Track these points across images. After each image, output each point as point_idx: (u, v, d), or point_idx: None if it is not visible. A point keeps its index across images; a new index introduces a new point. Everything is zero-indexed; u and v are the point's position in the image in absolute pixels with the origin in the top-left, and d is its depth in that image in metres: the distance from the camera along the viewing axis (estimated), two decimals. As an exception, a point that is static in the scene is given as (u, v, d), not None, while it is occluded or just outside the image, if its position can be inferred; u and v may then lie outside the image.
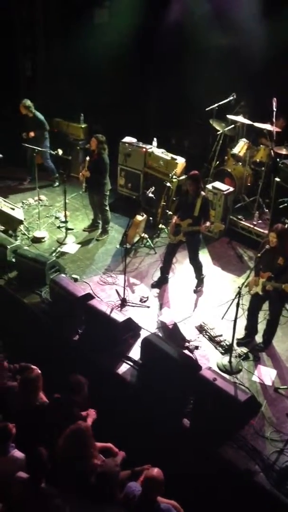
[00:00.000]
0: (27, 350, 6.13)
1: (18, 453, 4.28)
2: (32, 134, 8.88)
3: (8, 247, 7.31)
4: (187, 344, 6.22)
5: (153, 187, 8.05)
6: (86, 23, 9.71)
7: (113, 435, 4.87)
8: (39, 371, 4.96)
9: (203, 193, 6.76)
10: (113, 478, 3.93)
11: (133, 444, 4.88)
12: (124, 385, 5.81)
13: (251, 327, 6.23)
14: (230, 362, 5.92)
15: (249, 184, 8.68)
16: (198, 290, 7.18)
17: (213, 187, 8.32)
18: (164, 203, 8.19)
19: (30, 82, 10.58)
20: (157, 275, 7.35)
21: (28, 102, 8.87)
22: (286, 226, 6.94)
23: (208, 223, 6.63)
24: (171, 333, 6.44)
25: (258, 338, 6.30)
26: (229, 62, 8.53)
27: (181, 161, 8.59)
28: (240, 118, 8.50)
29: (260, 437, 5.17)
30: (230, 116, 8.62)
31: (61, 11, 10.18)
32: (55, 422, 4.51)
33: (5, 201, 8.34)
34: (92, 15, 10.14)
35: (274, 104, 7.76)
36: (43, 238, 8.14)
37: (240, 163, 8.60)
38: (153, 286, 7.24)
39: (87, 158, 7.87)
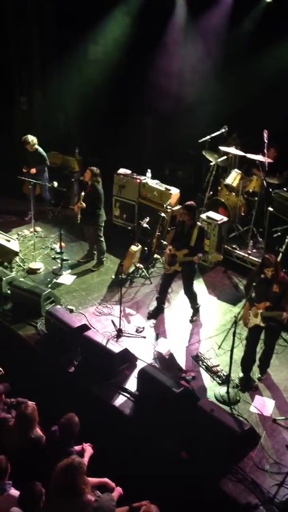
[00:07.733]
0: (22, 382, 6.05)
1: (14, 491, 4.17)
2: (33, 170, 8.80)
3: (4, 278, 7.30)
4: (184, 374, 6.17)
5: (148, 218, 8.12)
6: (81, 59, 9.96)
7: (109, 469, 4.78)
8: (35, 405, 4.89)
9: (199, 223, 6.81)
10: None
11: (131, 478, 4.78)
12: (120, 417, 5.73)
13: (251, 360, 6.12)
14: (227, 392, 5.86)
15: (242, 214, 8.77)
16: (194, 320, 7.17)
17: (207, 217, 8.41)
18: (159, 233, 8.24)
19: (26, 116, 10.74)
20: (153, 305, 7.34)
21: (29, 138, 8.89)
22: (280, 255, 7.00)
23: (200, 254, 6.60)
24: (168, 363, 6.40)
25: (255, 368, 6.25)
26: (221, 94, 8.73)
27: (175, 191, 8.68)
28: (232, 150, 8.64)
29: (259, 469, 5.09)
30: (222, 148, 8.76)
31: (56, 47, 10.44)
32: (51, 455, 4.43)
33: (0, 233, 8.38)
34: (86, 51, 10.40)
35: (265, 135, 7.92)
36: (39, 269, 8.14)
37: (233, 193, 8.70)
38: (149, 316, 7.22)
39: (82, 193, 7.92)
